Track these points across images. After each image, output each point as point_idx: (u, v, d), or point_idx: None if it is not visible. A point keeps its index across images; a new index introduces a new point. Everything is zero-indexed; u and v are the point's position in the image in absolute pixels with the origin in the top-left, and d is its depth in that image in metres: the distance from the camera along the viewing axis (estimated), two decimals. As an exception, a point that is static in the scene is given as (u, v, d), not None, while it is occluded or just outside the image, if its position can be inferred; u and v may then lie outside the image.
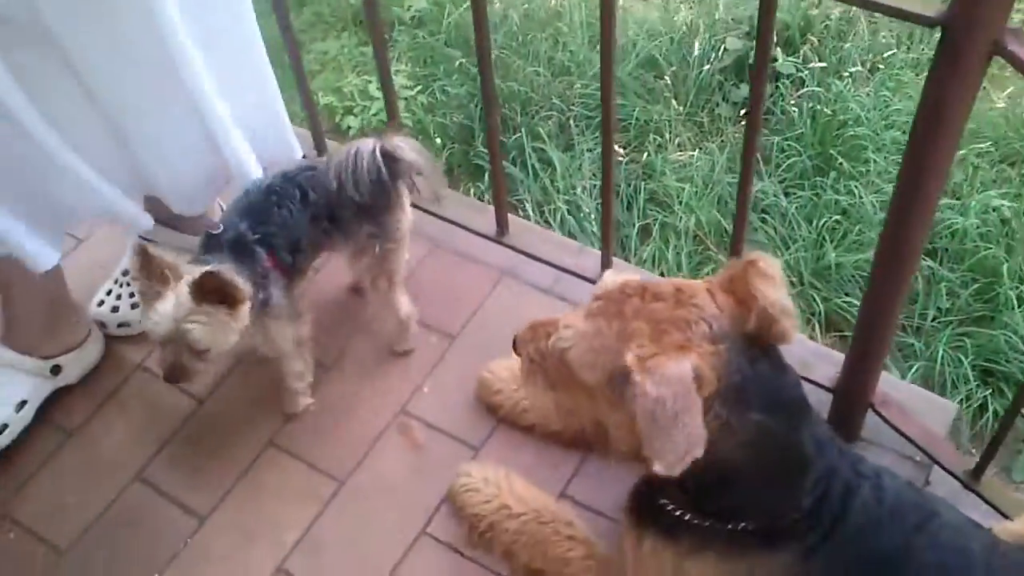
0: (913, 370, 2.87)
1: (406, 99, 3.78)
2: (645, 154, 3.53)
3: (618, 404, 1.42)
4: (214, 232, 1.90)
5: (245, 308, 1.81)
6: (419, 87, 3.88)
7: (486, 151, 3.39)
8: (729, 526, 1.49)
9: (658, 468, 1.32)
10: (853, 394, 1.95)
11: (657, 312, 1.40)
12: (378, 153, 1.92)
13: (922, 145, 1.50)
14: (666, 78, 3.71)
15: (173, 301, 1.75)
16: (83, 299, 2.31)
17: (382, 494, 2.05)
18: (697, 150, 3.54)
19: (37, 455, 2.16)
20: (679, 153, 3.53)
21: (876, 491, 1.50)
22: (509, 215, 2.30)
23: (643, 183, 3.45)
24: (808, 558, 1.47)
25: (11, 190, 1.88)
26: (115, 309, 2.30)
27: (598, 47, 3.85)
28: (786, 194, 3.35)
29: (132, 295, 2.30)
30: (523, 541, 1.90)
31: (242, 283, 1.80)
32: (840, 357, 2.02)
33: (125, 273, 2.33)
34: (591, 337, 1.45)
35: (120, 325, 2.31)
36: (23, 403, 2.15)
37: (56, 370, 2.19)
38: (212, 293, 1.74)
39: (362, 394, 2.19)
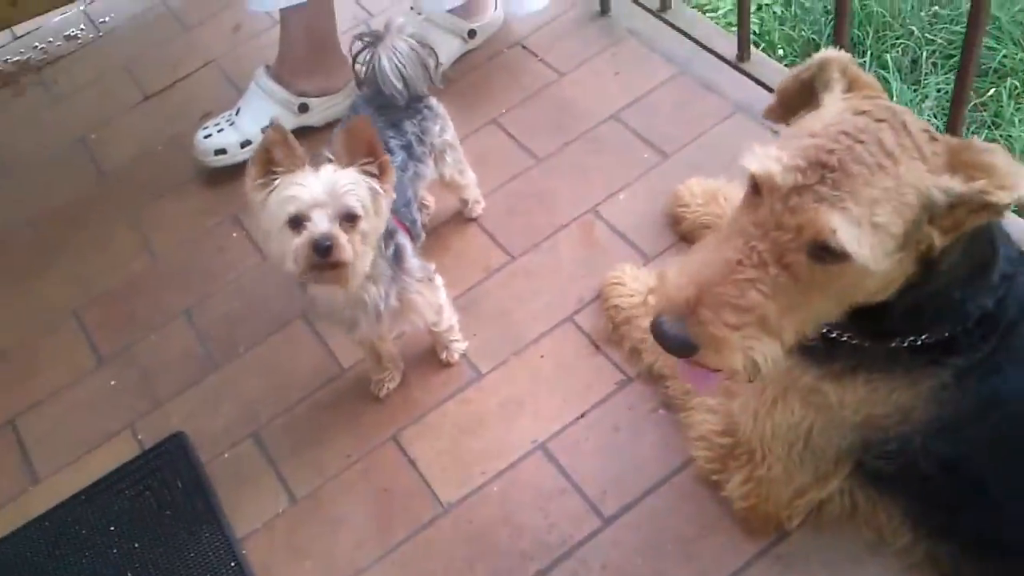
0: None
1: (760, 5, 3.65)
2: (997, 100, 3.14)
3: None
4: None
5: (392, 177, 1.59)
6: (778, -4, 3.72)
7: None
8: (892, 344, 1.28)
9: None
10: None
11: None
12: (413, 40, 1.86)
13: None
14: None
15: (314, 174, 1.54)
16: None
17: (544, 277, 2.04)
18: (1063, 107, 3.09)
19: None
20: (1039, 106, 3.10)
21: None
22: (753, 48, 2.15)
23: (986, 131, 3.07)
24: (962, 378, 1.26)
25: None
26: (376, 69, 2.44)
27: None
28: None
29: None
30: (652, 341, 1.79)
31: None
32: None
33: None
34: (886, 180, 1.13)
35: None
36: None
37: (303, 108, 2.38)
38: (360, 149, 1.56)
39: (561, 188, 2.18)
